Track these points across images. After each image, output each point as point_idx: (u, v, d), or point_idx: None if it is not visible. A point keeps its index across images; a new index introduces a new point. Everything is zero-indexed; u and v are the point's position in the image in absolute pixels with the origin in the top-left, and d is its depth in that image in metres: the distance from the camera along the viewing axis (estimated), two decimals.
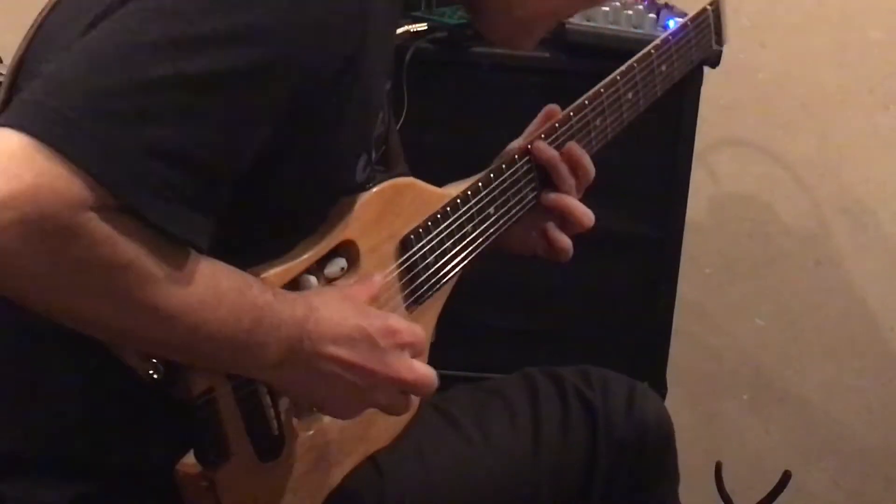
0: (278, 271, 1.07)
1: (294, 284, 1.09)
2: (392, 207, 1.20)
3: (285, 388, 1.10)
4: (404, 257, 1.22)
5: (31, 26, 1.14)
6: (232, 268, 1.00)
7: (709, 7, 1.55)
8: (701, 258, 2.44)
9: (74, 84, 0.89)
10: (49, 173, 0.85)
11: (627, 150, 1.85)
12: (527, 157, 1.35)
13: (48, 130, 0.86)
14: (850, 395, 2.52)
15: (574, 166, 1.38)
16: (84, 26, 1.01)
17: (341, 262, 1.14)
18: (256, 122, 0.98)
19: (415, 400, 1.19)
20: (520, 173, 1.34)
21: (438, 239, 1.25)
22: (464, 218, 1.28)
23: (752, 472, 2.40)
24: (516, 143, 1.40)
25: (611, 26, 1.87)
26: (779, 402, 2.55)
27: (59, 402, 1.07)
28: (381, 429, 1.27)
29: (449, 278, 1.29)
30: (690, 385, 2.47)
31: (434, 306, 1.29)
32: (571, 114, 1.38)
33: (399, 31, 1.82)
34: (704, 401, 2.55)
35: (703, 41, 1.55)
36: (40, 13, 1.14)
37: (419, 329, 1.14)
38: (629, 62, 1.43)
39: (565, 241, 1.39)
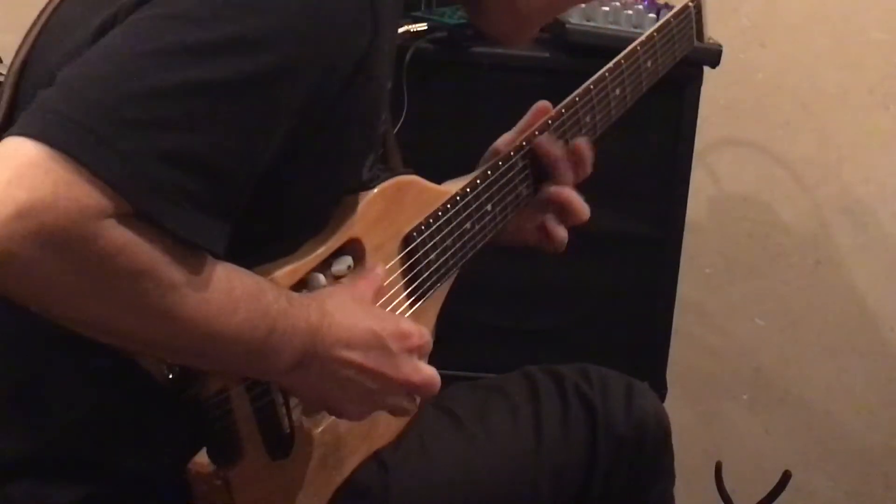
0: (287, 270, 1.07)
1: (302, 283, 1.10)
2: (395, 205, 1.20)
3: (298, 392, 1.11)
4: (407, 254, 1.22)
5: (32, 27, 1.14)
6: (247, 272, 1.00)
7: (690, 3, 1.56)
8: (701, 258, 2.44)
9: (89, 92, 0.89)
10: (66, 182, 0.85)
11: (628, 151, 1.87)
12: (521, 154, 1.36)
13: (64, 139, 0.86)
14: (850, 395, 2.52)
15: (578, 161, 1.39)
16: (94, 29, 1.01)
17: (348, 260, 1.15)
18: (272, 126, 0.98)
19: (419, 401, 1.20)
20: (515, 170, 1.35)
21: (440, 236, 1.26)
22: (463, 215, 1.28)
23: (752, 472, 2.40)
24: (507, 137, 1.41)
25: (611, 26, 1.87)
26: (779, 402, 2.55)
27: (68, 404, 1.07)
28: (384, 427, 1.29)
29: (449, 275, 1.30)
30: (690, 385, 2.47)
31: (435, 302, 1.30)
32: (563, 110, 1.39)
33: (399, 31, 1.82)
34: (704, 401, 2.56)
35: (686, 37, 1.56)
36: (41, 13, 1.14)
37: (427, 332, 1.16)
38: (616, 59, 1.44)
39: (563, 233, 1.41)
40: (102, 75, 0.90)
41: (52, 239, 0.85)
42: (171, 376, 1.02)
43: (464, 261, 1.31)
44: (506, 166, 1.34)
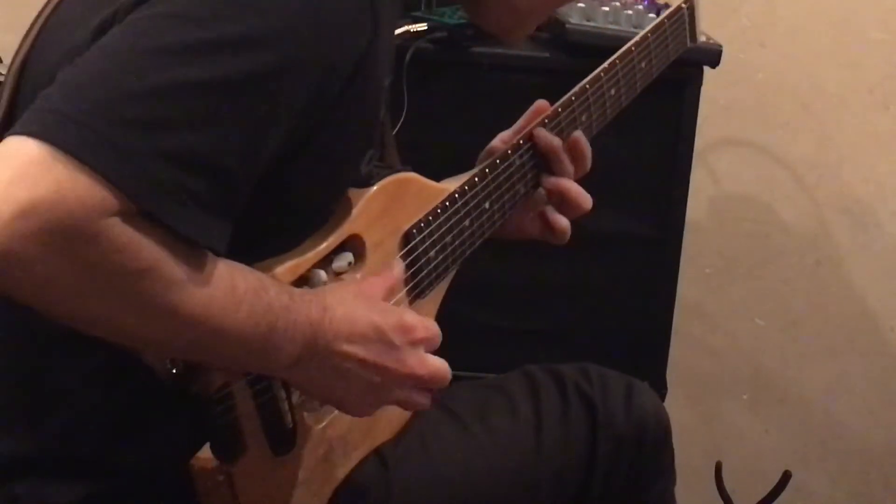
0: (288, 267, 1.08)
1: (303, 279, 1.10)
2: (395, 202, 1.21)
3: (302, 387, 1.11)
4: (407, 251, 1.23)
5: (32, 26, 1.14)
6: (248, 269, 1.00)
7: (683, 5, 1.56)
8: (701, 258, 2.44)
9: (90, 91, 0.90)
10: (69, 180, 0.86)
11: (628, 150, 1.87)
12: (520, 152, 1.36)
13: (65, 138, 0.86)
14: (850, 395, 2.52)
15: (577, 156, 1.39)
16: (93, 28, 1.01)
17: (348, 257, 1.15)
18: (273, 124, 0.98)
19: (432, 394, 1.19)
20: (513, 168, 1.35)
21: (439, 233, 1.26)
22: (462, 213, 1.29)
23: (752, 472, 2.40)
24: (504, 136, 1.41)
25: (611, 26, 1.87)
26: (779, 402, 2.55)
27: (70, 403, 1.07)
28: (385, 423, 1.29)
29: (448, 272, 1.30)
30: (690, 385, 2.48)
31: (434, 299, 1.30)
32: (560, 109, 1.39)
33: (399, 31, 1.82)
34: (704, 401, 2.56)
35: (679, 38, 1.57)
36: (40, 13, 1.14)
37: (433, 324, 1.15)
38: (611, 59, 1.45)
39: (564, 222, 1.40)
40: (103, 74, 0.91)
41: (54, 238, 0.85)
42: (174, 371, 1.02)
43: (462, 258, 1.31)
44: (504, 164, 1.34)
